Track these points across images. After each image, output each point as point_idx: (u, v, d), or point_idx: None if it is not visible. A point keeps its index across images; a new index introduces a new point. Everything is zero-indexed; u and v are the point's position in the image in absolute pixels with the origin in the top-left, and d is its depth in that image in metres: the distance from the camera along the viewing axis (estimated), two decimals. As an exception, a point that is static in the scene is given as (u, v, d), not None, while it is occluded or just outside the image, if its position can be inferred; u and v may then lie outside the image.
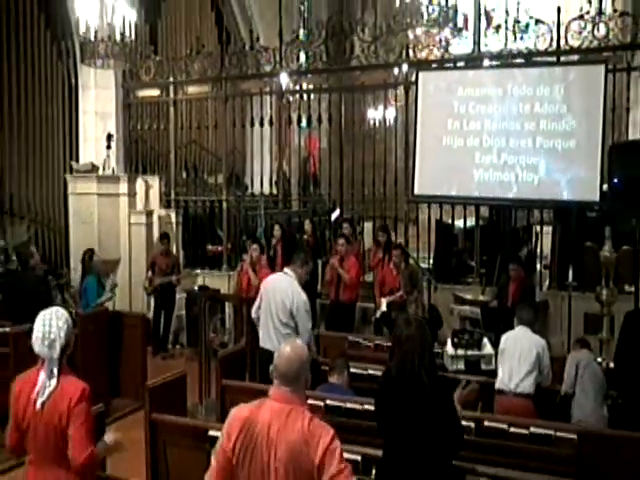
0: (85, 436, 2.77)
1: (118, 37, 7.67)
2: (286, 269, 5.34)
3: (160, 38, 11.40)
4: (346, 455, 3.35)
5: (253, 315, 5.44)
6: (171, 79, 9.72)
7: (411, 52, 8.24)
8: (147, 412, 4.18)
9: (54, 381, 2.78)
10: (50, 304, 6.28)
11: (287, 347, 2.63)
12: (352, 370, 4.83)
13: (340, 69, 9.02)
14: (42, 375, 2.79)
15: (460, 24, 8.30)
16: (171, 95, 9.79)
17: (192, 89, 9.92)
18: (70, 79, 10.07)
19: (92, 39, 7.67)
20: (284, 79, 9.21)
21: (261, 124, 9.37)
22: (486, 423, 4.01)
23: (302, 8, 15.81)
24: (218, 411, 4.84)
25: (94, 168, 9.26)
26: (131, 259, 8.98)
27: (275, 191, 10.29)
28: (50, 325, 2.82)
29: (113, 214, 9.12)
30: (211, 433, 3.81)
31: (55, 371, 2.79)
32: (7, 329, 5.98)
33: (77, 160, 9.67)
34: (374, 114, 12.34)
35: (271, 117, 9.43)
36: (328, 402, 4.32)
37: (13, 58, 10.44)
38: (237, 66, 9.33)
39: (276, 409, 2.48)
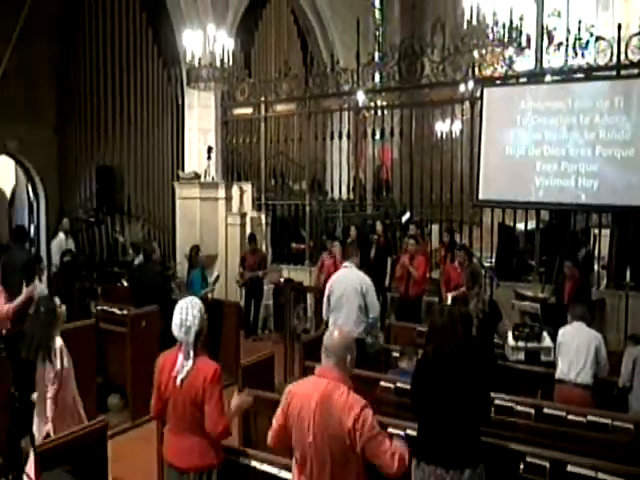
0: (220, 412, 2.88)
1: (218, 63, 7.91)
2: (346, 263, 5.45)
3: (253, 63, 11.64)
4: (412, 432, 3.35)
5: (325, 316, 5.51)
6: (262, 99, 9.90)
7: (477, 70, 8.06)
8: (240, 387, 4.29)
9: (190, 362, 2.90)
10: (167, 293, 6.60)
11: (335, 329, 2.80)
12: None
13: (411, 87, 8.91)
14: (180, 356, 2.92)
15: (524, 43, 8.02)
16: (262, 113, 9.96)
17: (280, 107, 10.06)
18: (177, 100, 10.45)
19: (196, 65, 7.96)
20: (361, 97, 9.21)
21: (340, 137, 9.39)
22: (545, 410, 3.88)
23: (377, 33, 15.77)
24: (301, 389, 4.90)
25: (197, 176, 9.56)
26: (227, 255, 9.22)
27: (352, 196, 10.28)
28: (187, 314, 2.93)
29: (212, 216, 9.39)
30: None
31: (191, 353, 2.90)
32: (125, 312, 6.29)
33: (183, 169, 10.01)
34: (441, 127, 12.12)
35: (349, 131, 9.43)
36: (398, 385, 4.30)
37: (131, 83, 10.99)
38: (319, 86, 9.40)
39: (317, 383, 2.62)
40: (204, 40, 7.83)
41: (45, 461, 2.94)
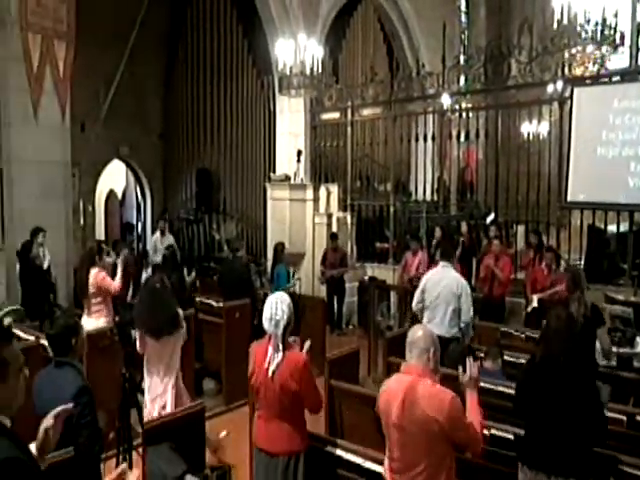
0: (315, 391, 3.02)
1: (308, 71, 8.00)
2: (443, 262, 5.25)
3: (341, 69, 11.70)
4: (497, 433, 3.24)
5: (415, 308, 5.39)
6: (349, 103, 9.92)
7: (566, 70, 7.64)
8: (327, 379, 4.32)
9: (280, 354, 2.97)
10: (251, 286, 6.78)
11: (417, 329, 2.75)
12: (504, 357, 4.62)
13: (497, 89, 8.59)
14: (270, 349, 3.00)
15: (617, 40, 7.51)
16: (349, 117, 9.98)
17: (366, 111, 10.04)
18: (269, 106, 10.69)
19: (288, 73, 8.10)
20: (446, 100, 9.01)
21: (424, 139, 9.23)
22: (638, 418, 3.62)
23: (463, 36, 15.36)
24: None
25: (287, 178, 9.73)
26: (314, 253, 9.33)
27: (436, 197, 10.09)
28: (276, 308, 2.99)
29: (301, 216, 9.51)
30: (379, 401, 3.86)
31: (280, 345, 2.98)
32: (221, 304, 6.52)
33: (274, 171, 10.22)
34: (528, 128, 11.61)
35: (433, 133, 9.25)
36: (482, 385, 4.16)
37: (228, 92, 11.38)
38: (405, 90, 9.29)
39: (405, 379, 2.59)
40: (295, 49, 7.96)
41: (151, 437, 3.11)
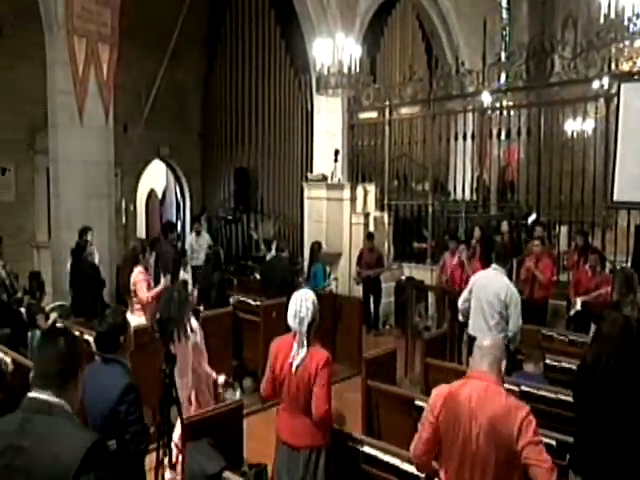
0: (325, 396, 2.96)
1: (346, 70, 7.99)
2: (495, 265, 5.09)
3: (378, 68, 11.65)
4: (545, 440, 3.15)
5: (460, 306, 5.27)
6: (387, 103, 9.86)
7: (612, 65, 7.40)
8: (364, 379, 4.31)
9: (304, 350, 3.01)
10: (293, 285, 6.81)
11: (488, 337, 2.67)
12: (546, 361, 4.51)
13: (540, 86, 8.38)
14: (295, 345, 3.03)
15: (668, 34, 7.23)
16: (386, 116, 9.92)
17: (404, 110, 9.96)
18: (307, 106, 10.72)
19: (325, 73, 8.10)
20: (486, 97, 8.85)
21: (464, 138, 9.10)
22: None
23: (504, 33, 15.07)
24: (422, 385, 4.82)
25: (324, 178, 9.74)
26: (351, 253, 9.31)
27: (475, 197, 9.93)
28: (300, 305, 3.04)
29: (338, 215, 9.52)
30: (417, 403, 3.83)
31: (305, 342, 3.01)
32: (258, 302, 6.59)
33: (311, 171, 10.24)
34: (571, 125, 11.30)
35: (473, 132, 9.10)
36: (523, 388, 4.08)
37: (266, 92, 11.47)
38: (443, 88, 9.17)
39: (475, 386, 2.45)
40: (333, 48, 7.96)
41: (190, 432, 3.17)
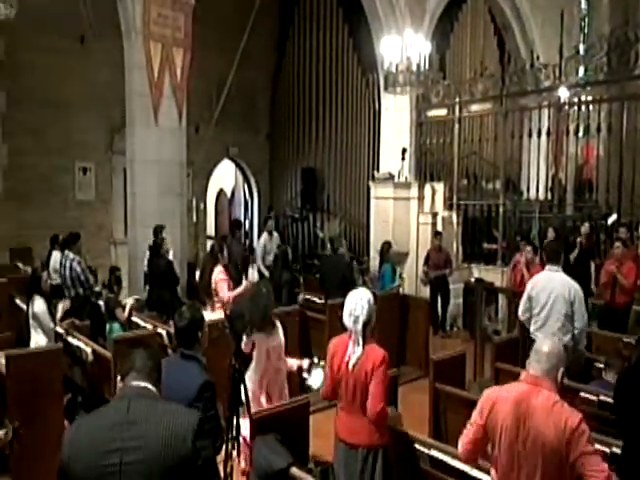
0: (381, 394, 2.95)
1: (414, 67, 7.88)
2: (550, 266, 4.89)
3: (448, 65, 11.42)
4: (617, 451, 2.99)
5: (522, 317, 5.09)
6: (457, 99, 9.65)
7: None
8: (431, 381, 4.25)
9: (360, 349, 3.01)
10: (353, 284, 6.81)
11: (547, 340, 2.58)
12: (628, 370, 4.26)
13: (623, 79, 7.94)
14: (351, 344, 3.04)
15: None
16: (456, 113, 9.71)
17: (475, 107, 9.71)
18: (374, 104, 10.68)
19: (394, 71, 8.02)
20: (563, 92, 8.47)
21: (538, 135, 8.75)
22: None
23: (582, 24, 14.37)
24: (492, 390, 4.69)
25: (391, 176, 9.67)
26: (418, 253, 9.18)
27: (549, 196, 9.53)
28: (355, 304, 3.04)
29: (405, 214, 9.41)
30: (488, 408, 3.72)
31: (360, 341, 3.02)
32: (323, 301, 6.61)
33: (378, 170, 10.20)
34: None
35: (548, 128, 8.74)
36: (602, 398, 3.88)
37: (333, 91, 11.52)
38: (517, 84, 8.87)
39: (525, 390, 2.39)
40: (401, 46, 7.87)
41: (258, 427, 3.22)
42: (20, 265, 8.38)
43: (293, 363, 4.24)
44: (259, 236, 11.48)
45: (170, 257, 6.91)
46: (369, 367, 2.98)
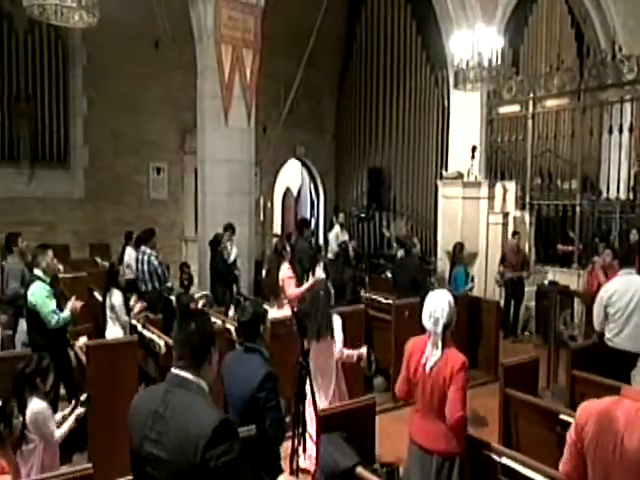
0: (460, 400, 2.86)
1: (486, 63, 7.67)
2: (625, 270, 4.61)
3: (521, 59, 11.03)
4: None
5: (598, 327, 4.83)
6: (531, 95, 9.30)
7: None
8: (502, 386, 4.11)
9: (438, 352, 2.94)
10: (426, 286, 6.71)
11: None
12: None
13: None
14: (429, 345, 2.97)
15: None
16: (530, 109, 9.35)
17: (550, 103, 9.31)
18: (443, 102, 10.49)
19: (464, 67, 7.84)
20: (647, 86, 7.99)
21: (620, 131, 8.30)
22: None
23: (670, 12, 13.46)
24: (567, 399, 4.48)
25: (460, 175, 9.47)
26: (487, 254, 8.94)
27: (631, 196, 9.01)
28: (435, 306, 2.97)
29: (474, 214, 9.18)
30: (562, 417, 3.56)
31: (439, 343, 2.94)
32: (390, 301, 6.56)
33: (446, 168, 10.01)
34: None
35: (631, 124, 8.26)
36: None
37: (400, 90, 11.41)
38: (596, 77, 8.43)
39: (627, 405, 2.18)
40: (472, 41, 7.67)
41: (324, 425, 3.24)
42: (98, 260, 8.84)
43: (353, 353, 4.25)
44: (325, 235, 11.59)
45: (233, 255, 7.07)
46: (448, 372, 2.89)
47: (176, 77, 9.43)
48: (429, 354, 2.97)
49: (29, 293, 4.53)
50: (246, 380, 2.85)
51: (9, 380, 3.37)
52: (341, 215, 9.55)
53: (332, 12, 10.81)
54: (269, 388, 2.82)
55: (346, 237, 9.01)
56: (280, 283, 5.93)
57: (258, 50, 8.08)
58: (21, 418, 3.16)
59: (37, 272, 4.63)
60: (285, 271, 5.95)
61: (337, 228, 9.39)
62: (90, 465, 2.83)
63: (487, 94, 9.75)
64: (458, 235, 8.94)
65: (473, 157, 9.35)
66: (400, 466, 4.06)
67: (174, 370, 2.00)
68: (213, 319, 5.58)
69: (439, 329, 2.94)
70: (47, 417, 3.36)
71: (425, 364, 2.97)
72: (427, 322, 2.99)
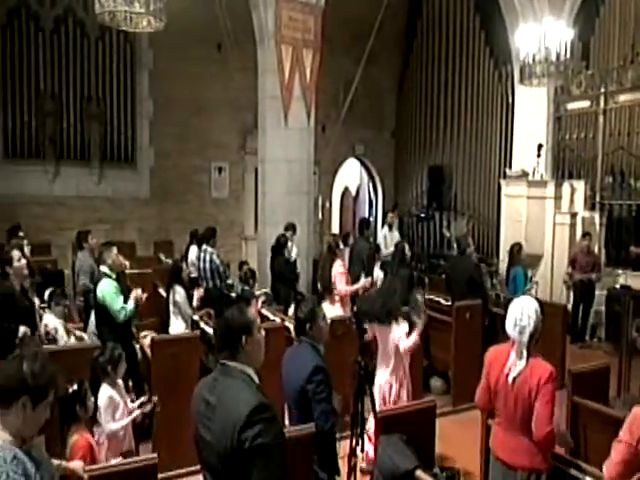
0: (548, 415, 2.73)
1: (554, 57, 7.39)
2: None
3: (592, 53, 10.55)
4: None
5: None
6: (602, 90, 8.90)
7: None
8: (569, 394, 3.96)
9: (523, 361, 2.82)
10: (481, 287, 6.55)
11: None
12: None
13: None
14: (513, 354, 2.86)
15: None
16: (601, 105, 8.95)
17: (623, 97, 8.88)
18: (507, 98, 10.21)
19: (530, 62, 7.59)
20: None
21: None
22: None
23: None
24: None
25: (524, 174, 9.19)
26: (553, 256, 8.62)
27: None
28: (522, 313, 2.85)
29: (539, 214, 8.88)
30: (636, 428, 3.38)
31: (524, 353, 2.83)
32: (449, 302, 6.44)
33: (510, 167, 9.74)
34: None
35: None
36: None
37: (462, 86, 11.19)
38: (677, 69, 7.99)
39: None
40: (539, 35, 7.41)
41: (383, 426, 3.22)
42: (162, 257, 9.14)
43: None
44: (383, 235, 11.49)
45: (293, 254, 7.14)
46: (534, 383, 2.76)
47: (237, 78, 9.65)
48: (512, 364, 2.84)
49: (98, 290, 4.71)
50: (297, 372, 3.00)
51: (88, 369, 3.66)
52: (390, 215, 9.40)
53: (393, 8, 10.72)
54: (318, 381, 2.92)
55: (396, 237, 8.84)
56: (332, 279, 6.00)
57: (318, 49, 8.12)
58: (93, 399, 3.39)
59: (103, 269, 4.80)
60: (337, 267, 6.06)
61: (385, 229, 9.28)
62: (155, 455, 2.94)
63: (554, 90, 9.41)
64: (522, 235, 8.67)
65: (539, 155, 9.05)
66: (461, 471, 3.99)
67: (220, 359, 2.12)
68: (272, 316, 5.67)
69: (525, 338, 2.82)
70: (108, 405, 3.59)
71: (508, 374, 2.84)
72: (512, 330, 2.86)
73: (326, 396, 2.94)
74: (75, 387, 3.17)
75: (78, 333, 5.21)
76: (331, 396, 2.98)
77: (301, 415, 3.02)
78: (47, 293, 5.49)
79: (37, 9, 9.82)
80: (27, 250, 5.37)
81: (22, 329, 4.16)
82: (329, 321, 3.42)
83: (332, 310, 5.75)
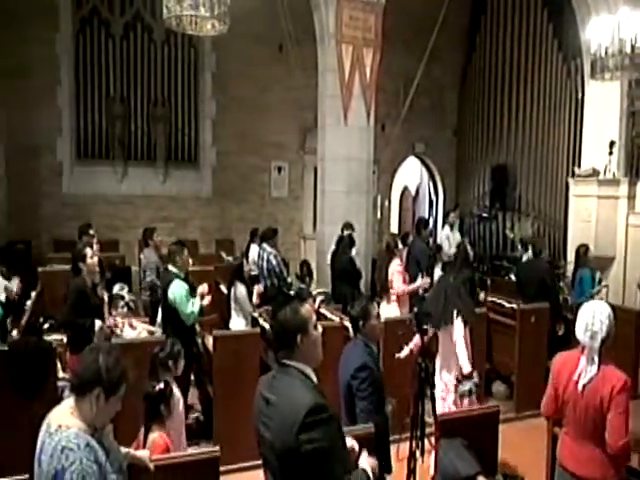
0: (623, 425, 2.62)
1: (628, 49, 7.03)
2: None
3: (671, 43, 9.97)
4: None
5: None
6: (685, 82, 8.40)
7: None
8: (644, 404, 3.76)
9: (594, 368, 2.72)
10: (553, 291, 6.32)
11: None
12: None
13: None
14: (583, 360, 2.76)
15: None
16: (682, 98, 8.45)
17: None
18: (576, 94, 9.80)
19: (602, 55, 7.25)
20: None
21: None
22: None
23: None
24: None
25: (595, 172, 8.79)
26: (626, 258, 8.21)
27: None
28: (593, 318, 2.75)
29: (611, 215, 8.48)
30: None
31: (596, 359, 2.72)
32: (513, 305, 6.25)
33: (579, 165, 9.35)
34: None
35: None
36: None
37: (528, 82, 10.84)
38: None
39: None
40: (613, 26, 7.07)
41: (444, 430, 3.16)
42: (223, 255, 9.34)
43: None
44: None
45: (353, 253, 7.13)
46: (606, 392, 2.65)
47: (298, 78, 9.73)
48: (583, 370, 2.74)
49: (169, 291, 4.76)
50: (347, 367, 3.08)
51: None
52: (452, 215, 9.24)
53: (455, 3, 10.52)
54: (362, 378, 2.97)
55: (457, 237, 8.69)
56: (389, 277, 5.97)
57: (378, 48, 8.08)
58: None
59: (171, 268, 4.93)
60: (395, 266, 6.04)
61: (447, 229, 9.12)
62: (217, 448, 3.01)
63: (628, 83, 8.93)
64: (591, 237, 8.30)
65: (611, 153, 8.63)
66: (524, 479, 3.87)
67: (278, 358, 2.15)
68: (330, 315, 5.69)
69: (596, 344, 2.71)
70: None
71: (577, 381, 2.74)
72: (582, 335, 2.76)
73: (368, 395, 2.97)
74: (161, 386, 3.20)
75: (146, 326, 5.40)
76: (374, 395, 3.00)
77: (348, 411, 3.04)
78: (115, 289, 5.73)
79: (108, 16, 10.28)
80: (96, 247, 5.62)
81: (98, 323, 4.36)
82: (382, 320, 3.42)
83: (388, 309, 5.72)
